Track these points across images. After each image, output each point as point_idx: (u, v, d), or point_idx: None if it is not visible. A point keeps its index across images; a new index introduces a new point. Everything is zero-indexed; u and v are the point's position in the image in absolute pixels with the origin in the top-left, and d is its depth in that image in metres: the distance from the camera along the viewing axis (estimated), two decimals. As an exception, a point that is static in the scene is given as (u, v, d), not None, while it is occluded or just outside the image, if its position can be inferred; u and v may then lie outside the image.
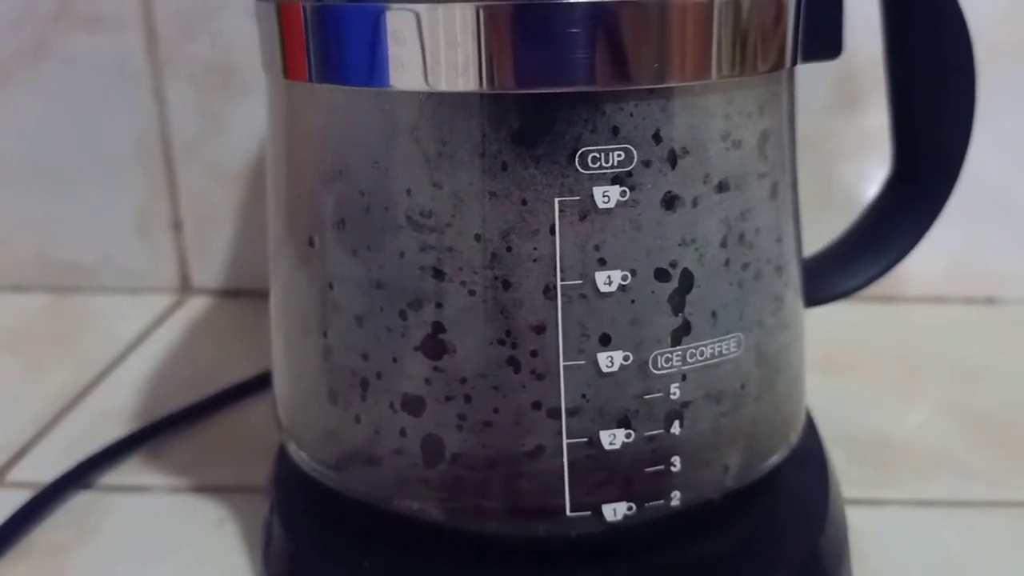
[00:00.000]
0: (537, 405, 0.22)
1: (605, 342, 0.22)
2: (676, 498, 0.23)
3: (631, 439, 0.22)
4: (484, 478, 0.22)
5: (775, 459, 0.25)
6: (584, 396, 0.22)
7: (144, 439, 0.35)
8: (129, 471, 0.34)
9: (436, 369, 0.22)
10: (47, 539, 0.30)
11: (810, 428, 0.29)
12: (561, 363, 0.22)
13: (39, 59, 0.47)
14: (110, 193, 0.49)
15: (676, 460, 0.23)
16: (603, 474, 0.22)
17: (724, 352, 0.23)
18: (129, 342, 0.44)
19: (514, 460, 0.22)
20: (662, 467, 0.23)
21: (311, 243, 0.24)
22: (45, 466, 0.33)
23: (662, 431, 0.22)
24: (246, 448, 0.35)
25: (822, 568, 0.25)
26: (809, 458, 0.28)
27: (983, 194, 0.45)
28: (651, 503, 0.23)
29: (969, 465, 0.33)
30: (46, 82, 0.47)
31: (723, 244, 0.22)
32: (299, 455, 0.26)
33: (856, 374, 0.40)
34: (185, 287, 0.50)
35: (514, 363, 0.22)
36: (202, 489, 0.32)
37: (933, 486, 0.32)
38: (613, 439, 0.22)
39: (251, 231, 0.49)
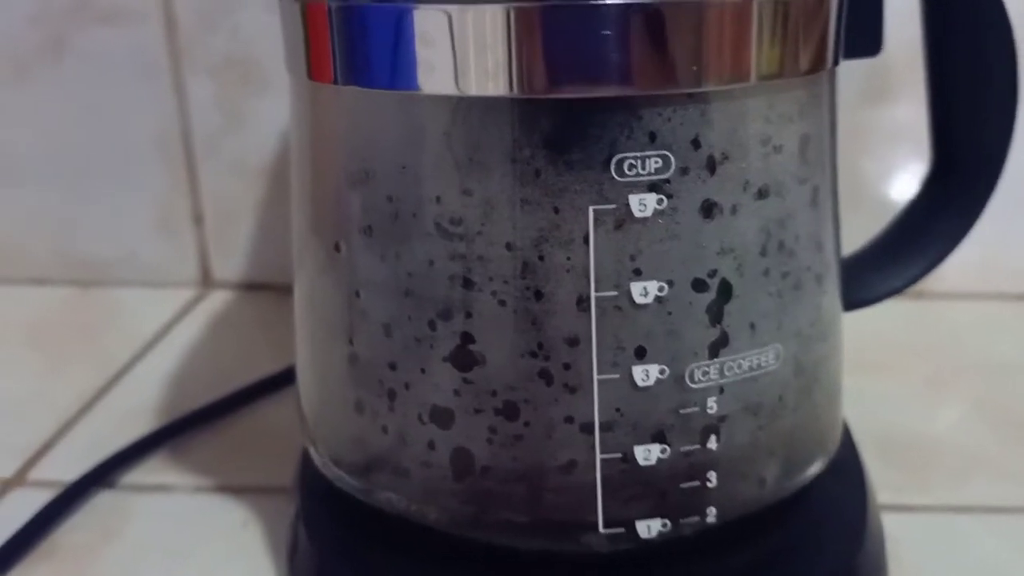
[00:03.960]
0: (570, 419, 0.21)
1: (640, 355, 0.21)
2: (712, 514, 0.22)
3: (666, 454, 0.22)
4: (514, 492, 0.22)
5: (813, 471, 0.24)
6: (618, 410, 0.21)
7: (167, 437, 0.35)
8: (152, 470, 0.34)
9: (465, 381, 0.22)
10: (70, 540, 0.30)
11: (846, 436, 0.28)
12: (595, 376, 0.21)
13: (58, 55, 0.46)
14: (131, 188, 0.48)
15: (712, 475, 0.22)
16: (637, 490, 0.22)
17: (763, 364, 0.22)
18: (151, 337, 0.44)
19: (545, 475, 0.22)
20: (698, 483, 0.22)
21: (337, 248, 0.23)
22: (67, 464, 0.33)
23: (698, 446, 0.22)
24: (269, 447, 0.34)
25: (861, 582, 0.24)
26: (845, 468, 0.27)
27: (1017, 189, 0.44)
28: (686, 519, 0.22)
29: (1004, 468, 0.32)
30: (65, 78, 0.47)
31: (762, 253, 0.22)
32: (324, 463, 0.25)
33: (886, 373, 0.39)
34: (206, 281, 0.50)
35: (546, 376, 0.21)
36: (225, 489, 0.32)
37: (967, 490, 0.31)
38: (648, 454, 0.21)
39: (272, 225, 0.49)
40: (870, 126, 0.45)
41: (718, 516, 0.22)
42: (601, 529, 0.22)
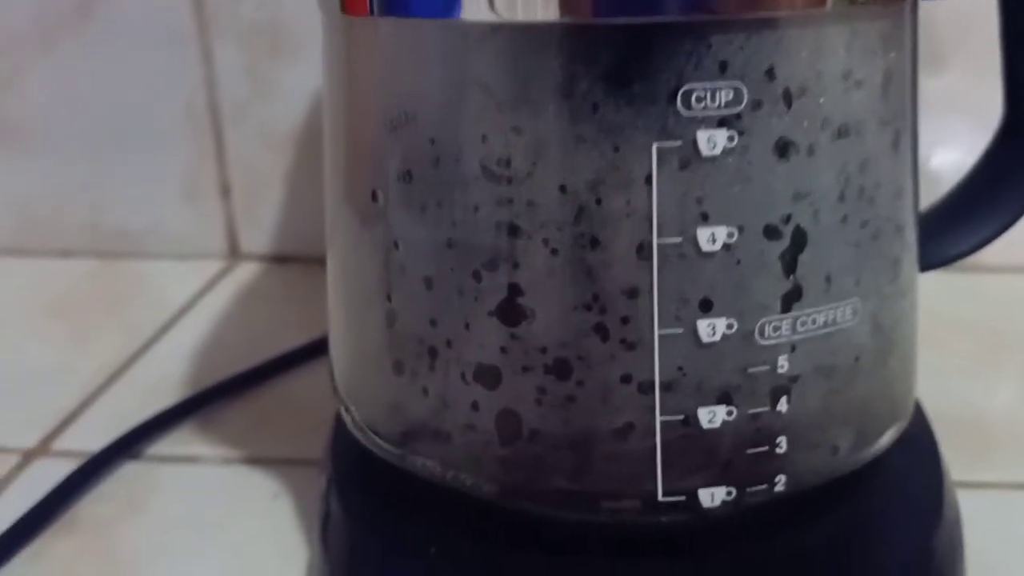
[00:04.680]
0: (627, 378, 0.20)
1: (706, 308, 0.19)
2: (780, 483, 0.21)
3: (732, 417, 0.20)
4: (565, 458, 0.21)
5: (887, 439, 0.23)
6: (681, 369, 0.20)
7: (194, 408, 0.34)
8: (179, 441, 0.33)
9: (513, 337, 0.20)
10: (94, 511, 0.29)
11: (916, 407, 0.26)
12: (656, 331, 0.19)
13: (84, 22, 0.46)
14: (158, 157, 0.48)
15: (782, 441, 0.20)
16: (700, 456, 0.20)
17: (838, 320, 0.20)
18: (177, 309, 0.43)
19: (600, 439, 0.20)
20: (766, 448, 0.20)
21: (374, 198, 0.22)
22: (92, 435, 0.33)
23: (767, 409, 0.20)
24: (300, 418, 0.33)
25: (938, 561, 0.23)
26: (918, 439, 0.26)
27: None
28: (753, 488, 0.21)
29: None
30: (91, 46, 0.46)
31: (840, 198, 0.20)
32: (359, 429, 0.24)
33: (938, 347, 0.37)
34: (234, 253, 0.49)
35: (602, 331, 0.20)
36: (255, 461, 0.31)
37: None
38: (712, 417, 0.20)
39: (301, 196, 0.48)
40: (920, 95, 0.43)
41: (787, 485, 0.21)
42: (660, 498, 0.20)
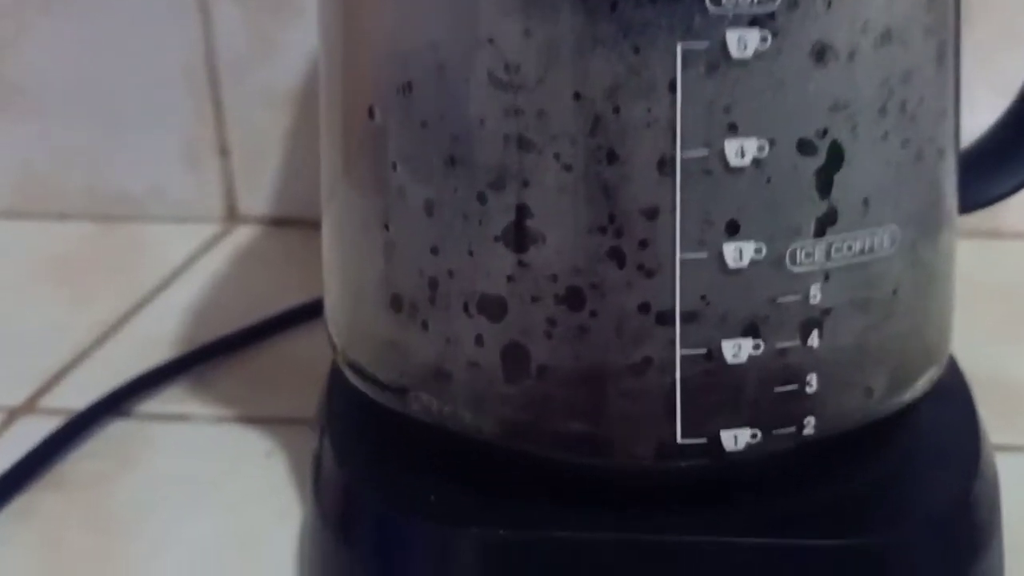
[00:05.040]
0: (645, 308, 0.18)
1: (733, 230, 0.18)
2: (810, 425, 0.19)
3: (759, 352, 0.19)
4: (577, 396, 0.19)
5: (923, 384, 0.21)
6: (704, 298, 0.18)
7: (186, 366, 0.33)
8: (171, 399, 0.32)
9: (521, 264, 0.19)
10: (81, 469, 0.29)
11: (951, 359, 0.25)
12: (677, 256, 0.18)
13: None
14: (156, 119, 0.46)
15: (812, 379, 0.19)
16: (723, 394, 0.19)
17: (875, 248, 0.19)
18: (174, 270, 0.42)
19: (614, 375, 0.19)
20: (795, 387, 0.19)
21: (371, 115, 0.20)
22: (81, 393, 0.32)
23: (797, 343, 0.19)
24: (295, 378, 0.33)
25: (975, 517, 0.21)
26: (952, 390, 0.24)
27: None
28: (780, 430, 0.19)
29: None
30: (90, 6, 0.45)
31: (882, 112, 0.18)
32: (355, 373, 0.23)
33: (964, 312, 0.36)
34: (232, 216, 0.48)
35: (618, 256, 0.18)
36: (248, 420, 0.31)
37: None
38: (737, 351, 0.18)
39: (301, 157, 0.47)
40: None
41: (817, 428, 0.19)
42: (679, 440, 0.19)
